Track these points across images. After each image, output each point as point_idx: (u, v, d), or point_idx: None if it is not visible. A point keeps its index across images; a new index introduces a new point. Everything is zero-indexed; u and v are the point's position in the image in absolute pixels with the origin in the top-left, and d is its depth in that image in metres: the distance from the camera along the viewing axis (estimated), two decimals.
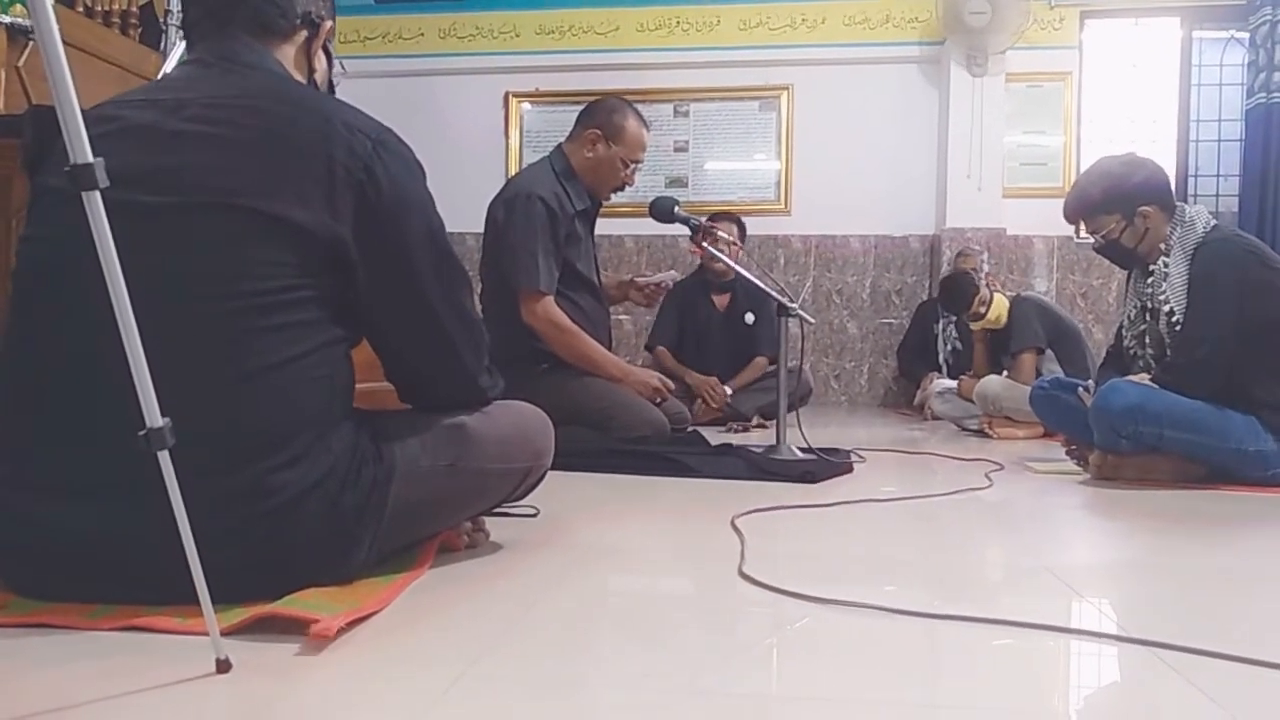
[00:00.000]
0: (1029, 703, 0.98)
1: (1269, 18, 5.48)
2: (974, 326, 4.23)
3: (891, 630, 1.18)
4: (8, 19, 2.38)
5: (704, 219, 3.04)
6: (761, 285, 3.03)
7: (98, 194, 0.90)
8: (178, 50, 2.67)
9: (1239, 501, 2.33)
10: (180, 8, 2.76)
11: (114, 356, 0.92)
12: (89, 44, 2.85)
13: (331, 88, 1.50)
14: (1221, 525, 2.09)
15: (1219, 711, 0.92)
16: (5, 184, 2.13)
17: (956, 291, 4.22)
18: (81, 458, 1.11)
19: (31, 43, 2.38)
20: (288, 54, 1.37)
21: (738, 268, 3.29)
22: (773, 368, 4.48)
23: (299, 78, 1.39)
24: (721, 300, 4.64)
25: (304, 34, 1.39)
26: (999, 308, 4.09)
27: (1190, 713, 0.93)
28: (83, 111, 0.90)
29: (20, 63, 2.43)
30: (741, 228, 4.57)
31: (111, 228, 0.90)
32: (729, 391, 4.31)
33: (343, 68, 1.53)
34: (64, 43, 0.88)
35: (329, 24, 1.43)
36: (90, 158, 0.89)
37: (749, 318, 4.55)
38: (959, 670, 1.09)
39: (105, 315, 0.91)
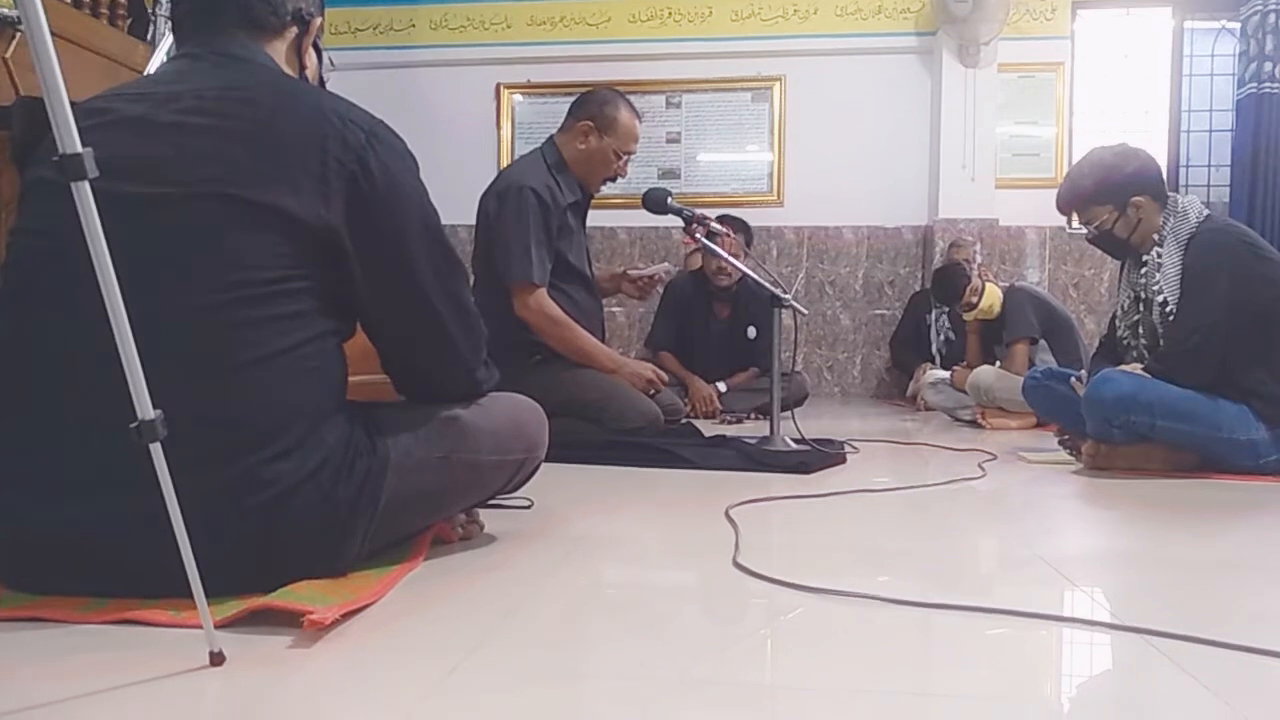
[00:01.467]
0: (1022, 691, 0.99)
1: (1260, 7, 5.49)
2: (966, 316, 4.24)
3: (886, 620, 1.18)
4: None
5: (709, 218, 3.02)
6: (754, 276, 3.03)
7: (87, 184, 0.89)
8: (166, 41, 2.66)
9: (1231, 490, 2.34)
10: (169, 0, 2.75)
11: (105, 348, 0.92)
12: (78, 35, 2.84)
13: (322, 83, 1.49)
14: (1214, 514, 2.09)
15: (1211, 698, 0.92)
16: None
17: (948, 281, 4.23)
18: (74, 451, 1.11)
19: (19, 34, 2.37)
20: (278, 50, 1.36)
21: (734, 261, 3.29)
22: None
23: (290, 74, 1.38)
24: (723, 310, 4.58)
25: (294, 31, 1.38)
26: (991, 298, 4.10)
27: (1183, 699, 0.94)
28: (73, 104, 0.89)
29: (8, 54, 2.41)
30: (748, 234, 4.52)
31: (103, 219, 0.90)
32: (723, 389, 4.31)
33: (332, 63, 1.53)
34: (52, 34, 0.87)
35: (319, 21, 1.43)
36: (79, 148, 0.89)
37: (751, 332, 4.44)
38: (953, 659, 1.09)
39: (96, 307, 0.90)
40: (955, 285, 4.17)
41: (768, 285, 2.87)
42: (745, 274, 3.08)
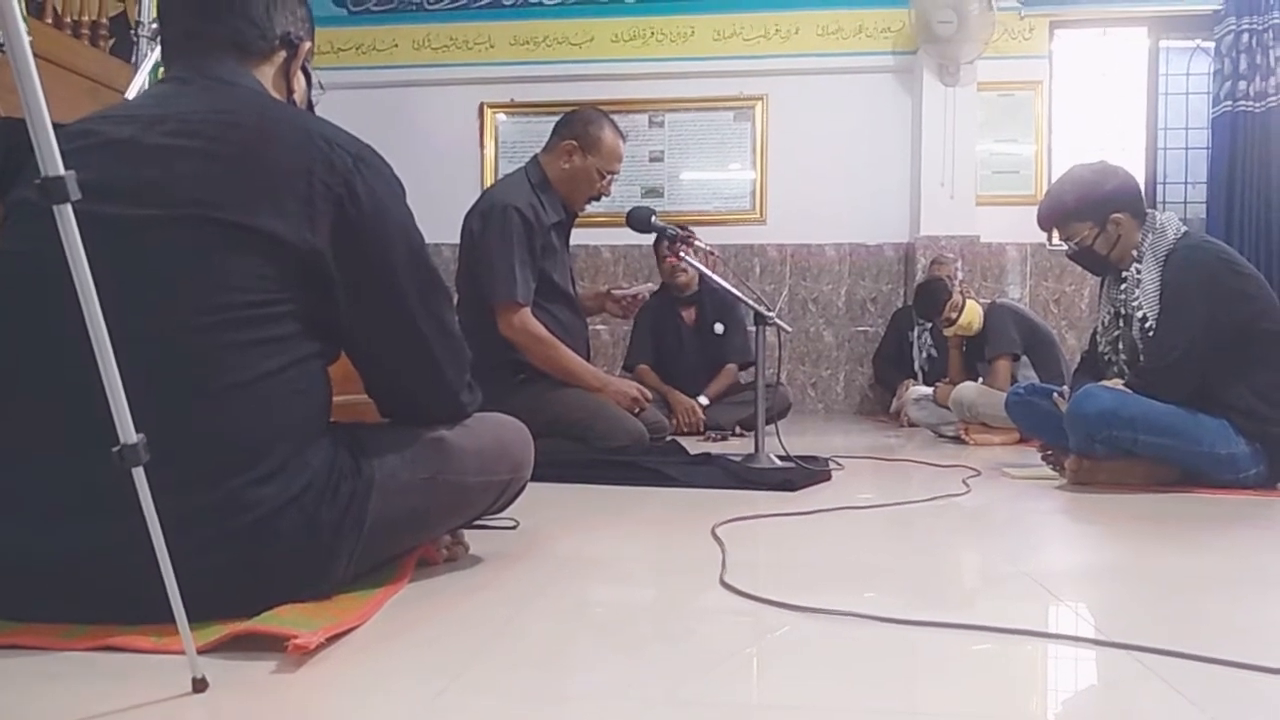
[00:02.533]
0: (1008, 708, 0.99)
1: (1233, 27, 5.58)
2: (946, 332, 4.27)
3: (871, 637, 1.18)
4: None
5: (694, 234, 3.04)
6: (738, 294, 3.04)
7: (69, 207, 0.89)
8: (149, 61, 2.65)
9: (1212, 504, 2.36)
10: (152, 19, 2.74)
11: (88, 371, 0.91)
12: (60, 56, 2.83)
13: (311, 107, 1.49)
14: (1196, 528, 2.11)
15: (1197, 714, 0.92)
16: None
17: (929, 295, 4.26)
18: (56, 474, 1.09)
19: (0, 55, 2.36)
20: (266, 74, 1.36)
21: (715, 277, 3.30)
22: (744, 373, 4.50)
23: (277, 98, 1.38)
24: (689, 314, 4.65)
25: (283, 55, 1.38)
26: (970, 314, 4.13)
27: (1169, 715, 0.94)
28: (60, 126, 0.89)
29: None
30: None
31: (87, 241, 0.89)
32: (705, 402, 4.32)
33: (321, 86, 1.52)
34: (34, 55, 0.87)
35: (308, 45, 1.43)
36: (61, 170, 0.88)
37: (718, 328, 4.56)
38: (938, 676, 1.09)
39: (79, 330, 0.90)
40: (936, 299, 4.20)
41: (751, 303, 2.88)
42: (728, 290, 3.09)
